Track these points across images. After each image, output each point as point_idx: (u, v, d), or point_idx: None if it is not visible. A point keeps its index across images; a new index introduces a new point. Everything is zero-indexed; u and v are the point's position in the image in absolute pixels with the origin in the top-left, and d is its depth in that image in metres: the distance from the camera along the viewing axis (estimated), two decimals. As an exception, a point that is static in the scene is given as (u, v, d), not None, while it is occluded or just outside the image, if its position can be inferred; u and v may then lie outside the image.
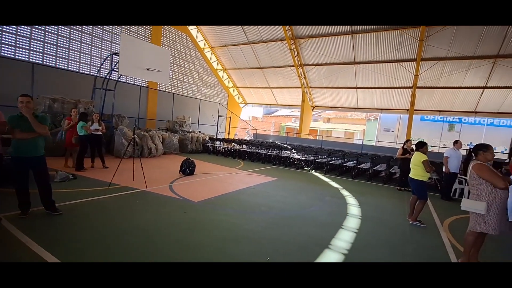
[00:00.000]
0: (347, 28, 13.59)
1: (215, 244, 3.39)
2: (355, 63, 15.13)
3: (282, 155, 11.76)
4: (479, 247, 3.40)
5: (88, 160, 7.40)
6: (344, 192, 7.14)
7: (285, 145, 13.49)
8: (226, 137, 17.87)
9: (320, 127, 30.45)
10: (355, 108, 18.60)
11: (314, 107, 19.74)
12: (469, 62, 12.64)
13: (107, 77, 10.39)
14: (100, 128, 7.37)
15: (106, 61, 11.46)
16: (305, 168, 10.87)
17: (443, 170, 7.44)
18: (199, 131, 15.59)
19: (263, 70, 18.69)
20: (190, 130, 14.70)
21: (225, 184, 6.97)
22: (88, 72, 11.53)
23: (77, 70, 11.21)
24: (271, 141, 16.41)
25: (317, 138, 20.90)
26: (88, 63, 11.63)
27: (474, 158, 3.44)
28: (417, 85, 13.92)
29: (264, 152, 12.04)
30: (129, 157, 8.80)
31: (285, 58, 16.61)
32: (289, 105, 21.49)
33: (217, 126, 17.88)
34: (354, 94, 17.39)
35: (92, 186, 5.50)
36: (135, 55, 9.54)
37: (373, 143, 19.34)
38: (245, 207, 5.11)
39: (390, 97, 16.50)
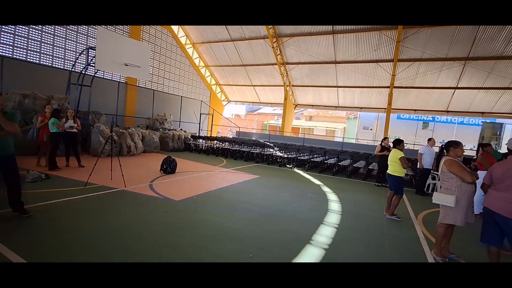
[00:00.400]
0: (328, 28, 13.83)
1: (198, 242, 3.36)
2: (336, 62, 15.45)
3: (265, 152, 11.83)
4: (449, 238, 3.60)
5: (62, 159, 7.08)
6: (325, 189, 7.30)
7: (268, 143, 13.57)
8: (209, 135, 17.69)
9: (302, 125, 30.86)
10: (336, 107, 19.01)
11: (296, 105, 19.97)
12: (441, 63, 13.28)
13: (83, 72, 9.95)
14: (75, 125, 7.06)
15: (82, 55, 10.97)
16: (288, 166, 10.99)
17: (418, 166, 7.79)
18: (181, 129, 15.32)
19: (246, 67, 18.65)
20: (172, 128, 14.41)
21: (208, 182, 6.91)
22: (62, 67, 10.98)
23: (50, 64, 10.64)
24: (254, 139, 16.44)
25: (299, 136, 21.19)
26: (62, 57, 11.07)
27: (445, 154, 3.63)
28: (394, 85, 14.46)
29: (247, 150, 12.05)
30: (106, 156, 8.50)
31: (268, 56, 16.66)
32: (271, 103, 21.60)
33: (200, 123, 17.66)
34: (335, 93, 17.77)
35: (67, 186, 5.27)
36: (113, 50, 9.20)
37: (353, 141, 19.91)
38: (227, 205, 5.10)
39: (369, 96, 17.01)
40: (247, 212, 4.74)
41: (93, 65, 9.11)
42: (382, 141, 8.31)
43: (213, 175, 7.94)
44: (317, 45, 14.97)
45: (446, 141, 3.75)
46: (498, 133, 14.63)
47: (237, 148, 12.27)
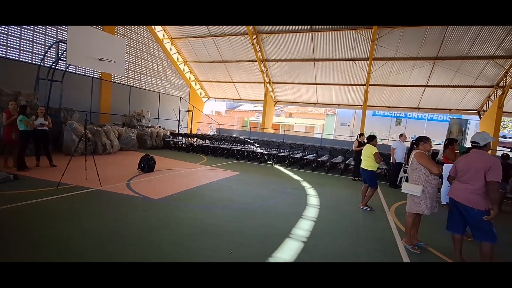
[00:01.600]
0: (307, 26, 14.03)
1: (178, 241, 3.35)
2: (314, 60, 15.74)
3: (245, 149, 11.87)
4: (417, 227, 3.85)
5: (32, 159, 6.70)
6: (305, 184, 7.48)
7: (248, 140, 13.62)
8: (189, 132, 17.44)
9: (283, 121, 31.21)
10: (315, 104, 19.39)
11: (276, 102, 20.14)
12: (413, 62, 13.94)
13: (53, 66, 9.43)
14: (46, 123, 6.70)
15: (52, 48, 10.38)
16: (268, 162, 11.11)
17: (391, 161, 8.18)
18: (159, 126, 14.98)
19: (225, 64, 18.50)
20: (150, 125, 14.05)
21: (188, 179, 6.85)
22: (30, 61, 10.33)
23: (17, 58, 9.97)
24: (234, 135, 16.42)
25: (280, 133, 21.43)
26: (30, 50, 10.41)
27: (415, 148, 3.87)
28: (370, 83, 14.98)
29: (227, 146, 12.02)
30: (80, 155, 8.16)
31: (248, 52, 16.64)
32: (252, 100, 21.63)
33: (179, 120, 17.35)
34: (314, 90, 18.12)
35: (37, 187, 5.02)
36: (86, 44, 8.79)
37: (332, 137, 20.43)
38: (208, 202, 5.10)
39: (346, 93, 17.52)
40: (227, 209, 4.77)
41: (64, 59, 8.65)
42: (358, 137, 8.62)
43: (193, 172, 7.87)
44: (296, 43, 15.16)
45: (416, 137, 3.98)
46: (464, 128, 15.65)
47: (218, 145, 12.22)
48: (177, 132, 15.37)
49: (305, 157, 11.15)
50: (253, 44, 15.40)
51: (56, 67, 9.53)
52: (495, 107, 13.40)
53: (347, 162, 10.33)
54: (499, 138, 16.12)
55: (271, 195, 6.02)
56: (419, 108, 16.77)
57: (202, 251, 3.13)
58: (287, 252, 3.28)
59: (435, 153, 8.15)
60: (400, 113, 18.82)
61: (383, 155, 9.99)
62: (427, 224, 4.55)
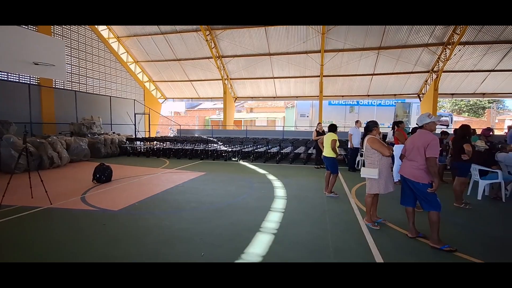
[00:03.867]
0: (260, 20, 14.12)
1: (145, 251, 3.18)
2: (270, 54, 15.96)
3: (209, 148, 11.68)
4: (376, 205, 4.16)
5: (-40, 182, 5.83)
6: (271, 177, 7.62)
7: (211, 139, 13.42)
8: (147, 136, 16.61)
9: (244, 117, 31.31)
10: (274, 97, 19.75)
11: (236, 98, 20.09)
12: (360, 53, 14.89)
13: (-23, 74, 8.24)
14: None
15: (-28, 54, 9.02)
16: (233, 159, 11.08)
17: (349, 146, 8.70)
18: (113, 132, 14.01)
19: (180, 62, 17.88)
20: (102, 132, 13.07)
21: (150, 186, 6.54)
22: None
23: None
24: (196, 135, 16.06)
25: (242, 129, 21.48)
26: None
27: (368, 133, 4.15)
28: (323, 74, 15.68)
29: (190, 147, 11.72)
30: (23, 171, 7.31)
31: (203, 49, 16.26)
32: (211, 98, 21.29)
33: (135, 124, 16.44)
34: (272, 84, 18.42)
35: (-28, 213, 4.38)
36: (17, 46, 7.79)
37: (293, 128, 21.06)
38: (174, 206, 4.93)
39: (303, 85, 18.13)
40: (195, 211, 4.66)
41: (-10, 65, 7.59)
42: (316, 126, 9.00)
43: (156, 177, 7.54)
44: (251, 38, 15.20)
45: (366, 123, 4.26)
46: (407, 111, 17.24)
47: (180, 147, 11.84)
48: (134, 137, 14.55)
49: (269, 151, 11.34)
50: (207, 40, 15.09)
51: (-18, 75, 8.34)
52: (432, 90, 14.97)
53: (309, 151, 10.74)
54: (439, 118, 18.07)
55: (238, 191, 6.02)
56: (368, 95, 18.05)
57: (171, 257, 3.02)
58: (258, 246, 3.32)
59: (384, 136, 8.84)
60: (352, 101, 20.07)
61: (341, 141, 10.58)
62: (384, 202, 4.95)
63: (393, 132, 7.14)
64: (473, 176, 5.85)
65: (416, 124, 3.60)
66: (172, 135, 18.42)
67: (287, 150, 10.81)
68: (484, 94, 17.04)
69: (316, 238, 3.61)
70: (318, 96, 16.56)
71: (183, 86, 20.37)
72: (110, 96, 15.84)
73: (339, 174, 6.02)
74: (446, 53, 13.70)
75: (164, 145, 12.59)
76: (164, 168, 8.98)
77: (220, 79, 17.81)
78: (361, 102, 20.10)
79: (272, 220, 4.23)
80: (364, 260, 3.03)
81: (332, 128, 5.76)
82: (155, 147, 12.73)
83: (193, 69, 18.33)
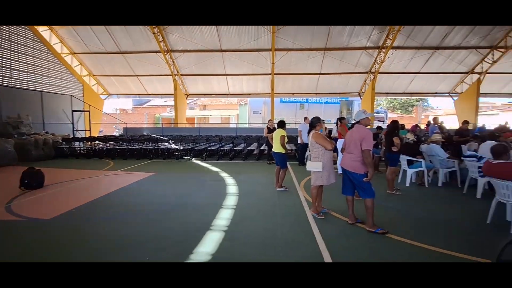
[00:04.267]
0: (210, 16, 13.86)
1: (82, 262, 2.92)
2: (222, 51, 15.80)
3: (159, 147, 11.15)
4: (321, 196, 4.44)
5: None
6: (223, 174, 7.60)
7: (162, 137, 12.82)
8: (88, 135, 15.15)
9: (197, 114, 30.58)
10: (227, 94, 19.66)
11: (188, 95, 19.49)
12: (308, 53, 15.64)
13: None
14: None
15: None
16: (185, 158, 10.76)
17: (298, 142, 9.11)
18: (46, 132, 12.44)
19: (124, 55, 16.63)
20: (32, 132, 11.52)
21: (91, 190, 5.99)
22: None
23: None
24: (145, 134, 15.18)
25: (195, 126, 20.97)
26: None
27: (312, 129, 4.39)
28: (275, 72, 16.12)
29: (137, 147, 11.03)
30: None
31: (150, 43, 15.35)
32: (161, 94, 20.34)
33: (73, 123, 14.86)
34: (224, 81, 18.29)
35: None
36: None
37: (246, 125, 21.25)
38: (118, 211, 4.59)
39: (255, 83, 18.40)
40: (142, 214, 4.42)
41: None
42: (267, 123, 9.23)
43: (98, 180, 6.94)
44: (202, 33, 14.85)
45: (311, 119, 4.51)
46: (350, 108, 18.75)
47: (126, 147, 11.06)
48: (72, 136, 13.17)
49: (222, 148, 11.27)
50: (154, 33, 14.30)
51: None
52: (370, 89, 16.48)
53: (261, 148, 10.97)
54: (374, 114, 19.89)
55: (190, 190, 5.88)
56: (316, 93, 19.11)
57: (114, 265, 2.82)
58: (208, 245, 3.29)
59: (330, 131, 9.47)
60: (302, 99, 21.02)
61: (291, 137, 11.02)
62: (329, 192, 5.31)
63: (337, 128, 7.70)
64: (402, 166, 6.63)
65: (353, 119, 3.94)
66: (117, 134, 17.11)
67: (240, 147, 10.89)
68: (412, 93, 19.36)
69: (266, 231, 3.72)
70: (270, 94, 16.97)
71: (129, 81, 19.02)
72: (42, 92, 14.00)
73: (290, 169, 6.29)
74: (381, 56, 15.19)
75: (108, 145, 11.64)
76: (108, 170, 8.31)
77: (170, 75, 17.04)
78: (310, 99, 21.17)
79: (223, 217, 4.23)
80: (308, 248, 3.22)
81: (281, 124, 5.97)
82: (97, 147, 11.69)
83: (140, 64, 17.20)
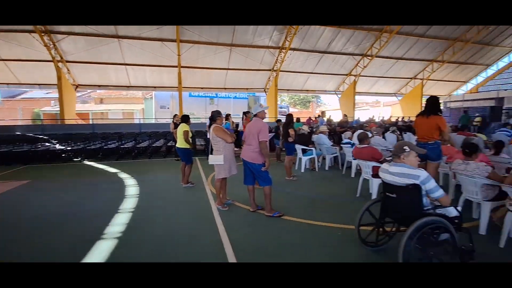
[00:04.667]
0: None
1: None
2: (118, 37, 14.05)
3: (38, 149, 9.16)
4: (225, 188, 4.56)
5: None
6: (123, 175, 6.88)
7: (42, 136, 10.57)
8: None
9: (93, 109, 26.53)
10: (128, 87, 17.76)
11: (77, 86, 16.64)
12: (215, 47, 15.62)
13: None
14: None
15: None
16: (75, 159, 9.20)
17: (207, 136, 9.06)
18: None
19: (-22, 32, 12.77)
20: None
21: None
22: None
23: None
24: (18, 133, 12.19)
25: (89, 123, 18.17)
26: None
27: (213, 122, 4.44)
28: (182, 65, 15.45)
29: (5, 150, 8.77)
30: None
31: (17, 19, 12.23)
32: (39, 84, 16.66)
33: None
34: (124, 71, 16.41)
35: None
36: None
37: (153, 121, 19.78)
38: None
39: (161, 75, 17.23)
40: (9, 234, 3.55)
41: None
42: (173, 118, 8.83)
43: None
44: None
45: (211, 113, 4.55)
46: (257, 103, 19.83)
47: (-14, 150, 8.62)
48: None
49: (122, 146, 10.15)
50: (23, 8, 11.46)
51: None
52: (273, 86, 17.86)
53: (169, 144, 10.43)
54: (278, 108, 21.64)
55: (79, 198, 5.07)
56: (225, 88, 19.41)
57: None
58: (96, 255, 2.92)
59: (237, 125, 9.81)
60: (212, 93, 20.97)
61: (201, 132, 10.91)
62: (232, 184, 5.49)
63: (243, 121, 8.04)
64: (298, 154, 7.48)
65: (252, 112, 4.17)
66: (-27, 135, 13.12)
67: (145, 144, 10.06)
68: (308, 90, 21.96)
69: (169, 230, 3.57)
70: (177, 87, 16.22)
71: (-11, 67, 14.77)
72: None
73: (198, 164, 6.19)
74: (281, 56, 16.60)
75: (-44, 149, 8.81)
76: (-45, 182, 6.30)
77: (51, 61, 14.08)
78: (219, 94, 21.32)
79: (118, 223, 3.82)
80: (209, 239, 3.26)
81: (184, 119, 5.82)
82: None
83: (6, 45, 13.53)
